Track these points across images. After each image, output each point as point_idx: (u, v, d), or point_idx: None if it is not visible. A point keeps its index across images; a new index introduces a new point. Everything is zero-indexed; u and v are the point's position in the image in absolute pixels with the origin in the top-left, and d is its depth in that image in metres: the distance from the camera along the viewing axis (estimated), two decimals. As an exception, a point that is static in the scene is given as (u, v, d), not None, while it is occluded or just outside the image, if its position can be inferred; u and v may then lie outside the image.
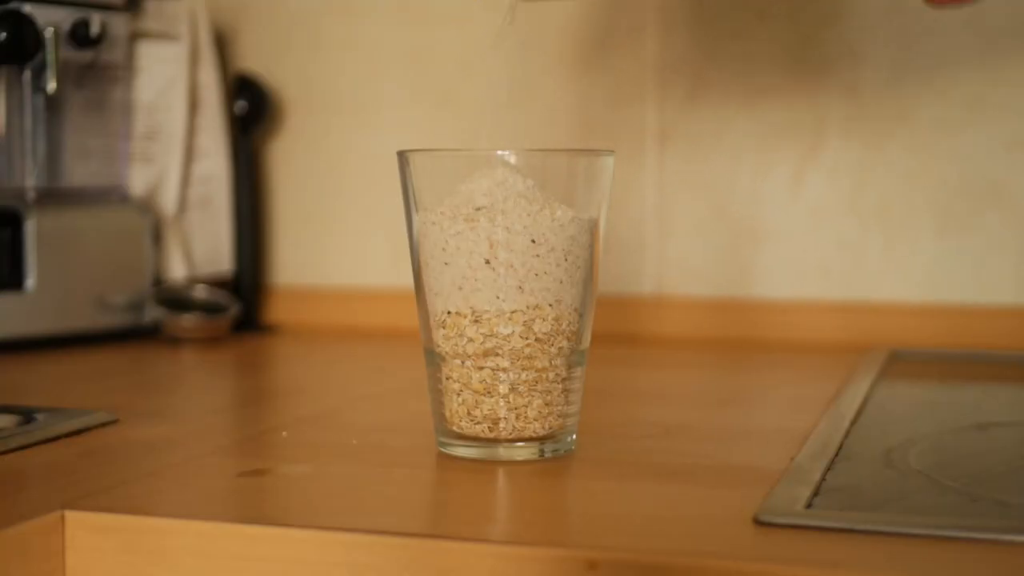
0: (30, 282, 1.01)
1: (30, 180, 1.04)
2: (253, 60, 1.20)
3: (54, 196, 1.05)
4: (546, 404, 0.61)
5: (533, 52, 1.12)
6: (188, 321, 1.08)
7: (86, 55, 1.05)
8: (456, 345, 0.61)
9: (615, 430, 0.70)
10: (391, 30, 1.17)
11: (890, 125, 1.04)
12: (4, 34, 0.97)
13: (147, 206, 1.12)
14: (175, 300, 1.10)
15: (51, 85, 1.02)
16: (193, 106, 1.15)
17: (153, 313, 1.09)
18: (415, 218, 0.62)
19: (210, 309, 1.11)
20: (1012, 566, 0.46)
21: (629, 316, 1.10)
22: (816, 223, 1.07)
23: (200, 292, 1.13)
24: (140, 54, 1.12)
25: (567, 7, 1.11)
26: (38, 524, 0.52)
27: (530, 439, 0.62)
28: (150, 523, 0.52)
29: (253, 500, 0.56)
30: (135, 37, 1.11)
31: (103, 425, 0.71)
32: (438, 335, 0.62)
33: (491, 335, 0.60)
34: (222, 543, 0.51)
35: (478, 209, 0.60)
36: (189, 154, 1.15)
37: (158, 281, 1.12)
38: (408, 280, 0.65)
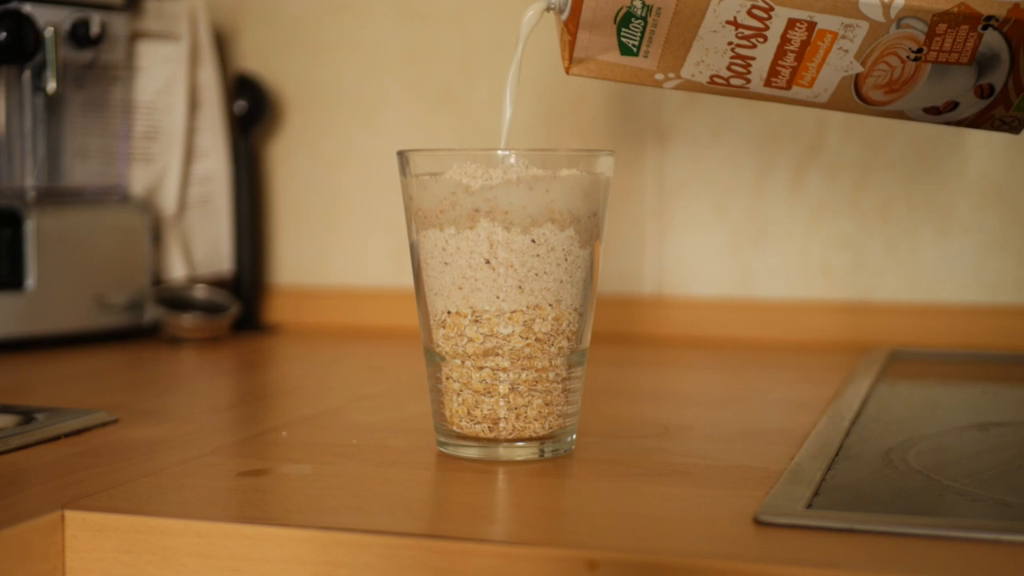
0: (30, 282, 1.01)
1: (30, 180, 1.04)
2: (253, 60, 1.20)
3: (54, 196, 1.05)
4: (546, 404, 0.61)
5: (533, 52, 1.12)
6: (188, 321, 1.08)
7: (86, 55, 1.05)
8: (456, 345, 0.61)
9: (615, 430, 0.70)
10: (391, 30, 1.17)
11: (890, 125, 1.04)
12: (4, 34, 0.97)
13: (147, 206, 1.12)
14: (175, 300, 1.10)
15: (51, 85, 1.02)
16: (193, 106, 1.15)
17: (153, 313, 1.09)
18: (415, 218, 0.62)
19: (210, 309, 1.11)
20: (1012, 566, 0.46)
21: (629, 316, 1.10)
22: (816, 223, 1.07)
23: (200, 292, 1.13)
24: (140, 54, 1.12)
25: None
26: (38, 524, 0.52)
27: (530, 439, 0.62)
28: (150, 523, 0.52)
29: (253, 500, 0.56)
30: (135, 37, 1.11)
31: (103, 425, 0.71)
32: (438, 335, 0.62)
33: (491, 335, 0.60)
34: (222, 543, 0.51)
35: (478, 209, 0.60)
36: (189, 154, 1.15)
37: (158, 281, 1.12)
38: (408, 280, 0.66)
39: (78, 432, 0.69)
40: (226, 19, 1.21)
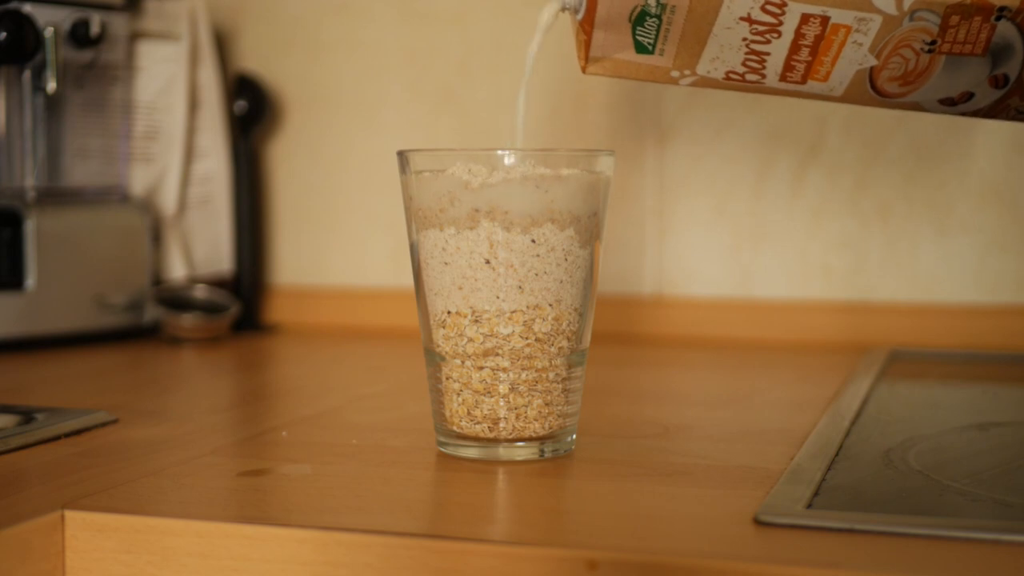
0: (30, 282, 1.01)
1: (30, 180, 1.04)
2: (253, 60, 1.20)
3: (54, 196, 1.05)
4: (546, 404, 0.61)
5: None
6: (188, 321, 1.08)
7: (86, 55, 1.05)
8: (456, 345, 0.61)
9: (615, 430, 0.70)
10: (391, 30, 1.17)
11: (890, 125, 1.04)
12: (4, 34, 0.97)
13: (147, 206, 1.12)
14: (175, 300, 1.10)
15: (51, 85, 1.02)
16: (193, 106, 1.15)
17: (153, 313, 1.09)
18: (415, 218, 0.62)
19: (210, 309, 1.11)
20: (1012, 566, 0.46)
21: (629, 316, 1.10)
22: (816, 223, 1.07)
23: (200, 292, 1.13)
24: (140, 54, 1.12)
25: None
26: (38, 524, 0.52)
27: (530, 439, 0.62)
28: (150, 523, 0.52)
29: (253, 500, 0.56)
30: (135, 37, 1.11)
31: (103, 425, 0.71)
32: (438, 335, 0.62)
33: (491, 335, 0.60)
34: (222, 543, 0.51)
35: (478, 209, 0.60)
36: (189, 154, 1.15)
37: (158, 281, 1.12)
38: (408, 280, 0.66)
39: (78, 432, 0.69)
40: (226, 19, 1.21)
